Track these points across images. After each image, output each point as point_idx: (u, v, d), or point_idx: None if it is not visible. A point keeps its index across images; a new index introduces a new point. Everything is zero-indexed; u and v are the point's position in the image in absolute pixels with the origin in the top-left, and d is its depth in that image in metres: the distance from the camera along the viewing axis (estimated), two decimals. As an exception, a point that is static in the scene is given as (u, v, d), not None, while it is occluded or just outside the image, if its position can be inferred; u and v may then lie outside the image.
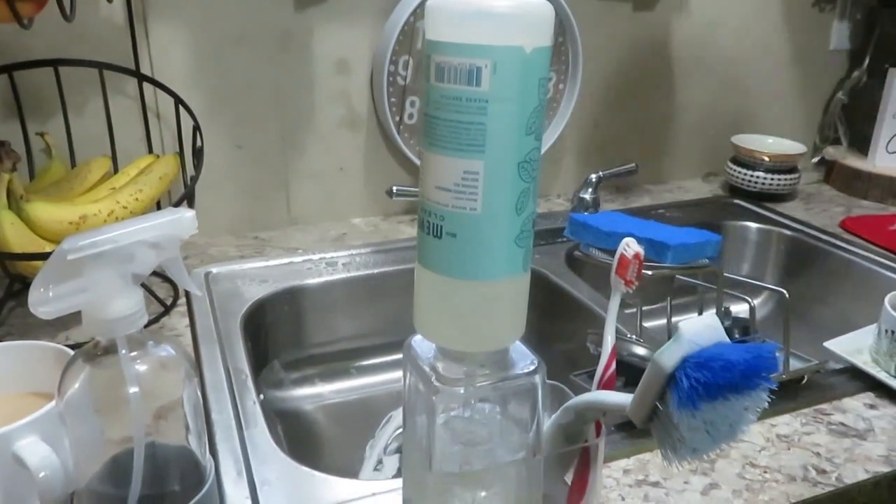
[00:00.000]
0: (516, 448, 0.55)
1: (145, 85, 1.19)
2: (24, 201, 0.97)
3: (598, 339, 0.63)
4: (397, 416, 1.12)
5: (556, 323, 1.21)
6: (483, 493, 0.55)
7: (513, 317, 0.54)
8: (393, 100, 1.35)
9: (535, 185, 0.51)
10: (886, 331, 0.95)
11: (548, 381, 0.57)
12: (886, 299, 0.96)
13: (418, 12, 1.30)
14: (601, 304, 1.13)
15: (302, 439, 1.13)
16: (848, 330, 1.02)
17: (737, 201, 1.59)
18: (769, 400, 0.49)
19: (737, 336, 1.05)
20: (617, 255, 0.59)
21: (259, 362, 1.12)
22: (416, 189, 1.30)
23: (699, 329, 0.49)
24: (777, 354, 0.49)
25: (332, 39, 1.31)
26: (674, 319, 1.05)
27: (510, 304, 0.53)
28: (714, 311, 1.00)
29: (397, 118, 1.37)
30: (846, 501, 0.78)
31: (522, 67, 0.47)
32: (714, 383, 0.47)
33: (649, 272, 0.83)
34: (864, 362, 0.96)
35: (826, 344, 1.00)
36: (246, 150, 1.32)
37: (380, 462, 1.05)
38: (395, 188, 1.23)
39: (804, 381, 0.93)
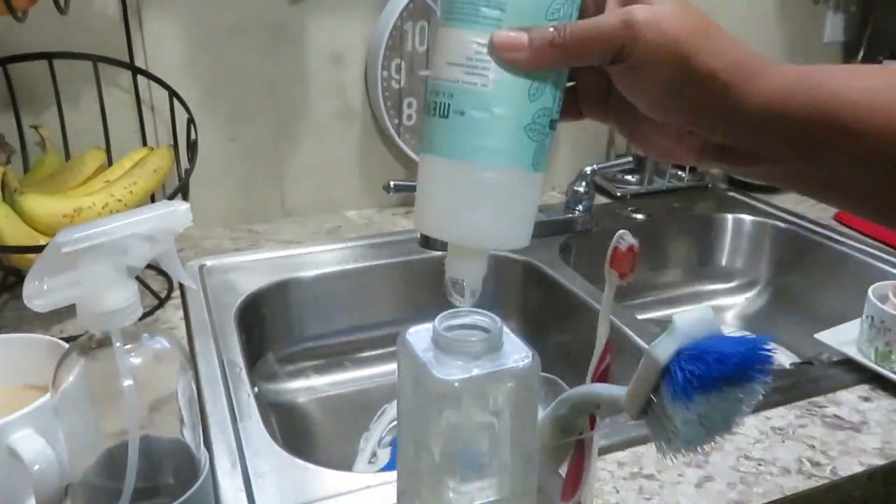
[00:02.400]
0: (511, 440, 0.55)
1: (139, 78, 1.19)
2: (19, 194, 0.97)
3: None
4: (391, 409, 1.12)
5: (551, 315, 1.21)
6: (478, 485, 0.55)
7: (517, 217, 0.52)
8: (390, 103, 1.36)
9: (556, 84, 0.50)
10: (867, 317, 0.95)
11: (542, 374, 0.57)
12: (870, 290, 0.97)
13: (404, 15, 1.30)
14: (595, 296, 1.13)
15: (296, 432, 1.13)
16: (843, 322, 1.03)
17: (731, 193, 1.59)
18: (763, 393, 0.49)
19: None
20: (611, 248, 0.59)
21: (253, 355, 1.12)
22: (413, 182, 1.30)
23: (693, 321, 0.49)
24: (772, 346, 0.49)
25: (326, 32, 1.31)
26: (669, 311, 1.05)
27: (514, 200, 0.51)
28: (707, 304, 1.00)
29: (396, 121, 1.38)
30: (841, 494, 0.78)
31: None
32: (708, 376, 0.47)
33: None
34: (853, 353, 0.96)
35: (817, 335, 1.00)
36: (240, 142, 1.32)
37: (374, 455, 1.05)
38: (392, 183, 1.23)
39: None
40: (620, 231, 0.58)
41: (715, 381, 0.47)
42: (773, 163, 0.52)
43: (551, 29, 0.47)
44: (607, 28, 0.48)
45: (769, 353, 0.48)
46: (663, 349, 0.48)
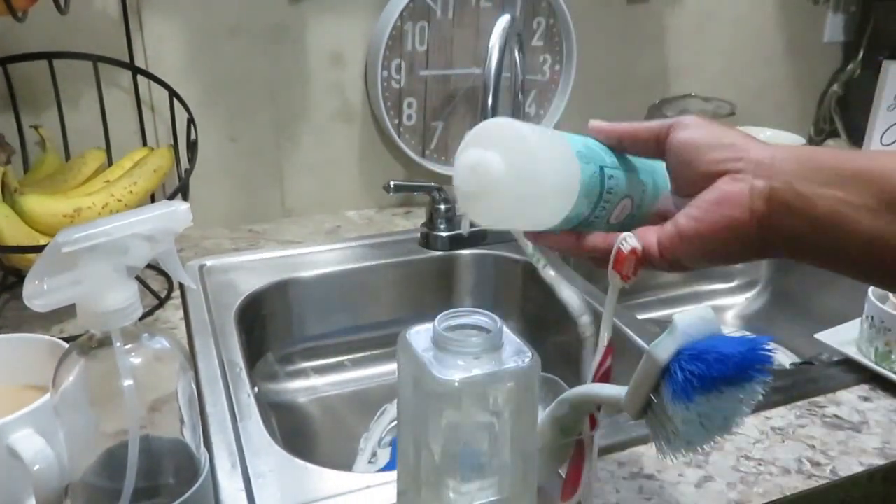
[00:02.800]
0: (511, 440, 0.55)
1: (139, 78, 1.19)
2: (19, 194, 0.97)
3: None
4: (392, 409, 1.12)
5: (551, 315, 1.21)
6: (477, 485, 0.55)
7: (552, 199, 0.56)
8: (389, 103, 1.36)
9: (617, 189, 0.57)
10: (867, 317, 0.95)
11: (542, 374, 0.57)
12: (870, 290, 0.97)
13: (404, 15, 1.31)
14: (595, 296, 1.13)
15: (296, 432, 1.13)
16: (843, 322, 1.02)
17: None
18: (763, 392, 0.49)
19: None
20: (614, 250, 0.59)
21: (253, 355, 1.12)
22: (413, 182, 1.30)
23: (693, 321, 0.49)
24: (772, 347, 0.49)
25: (327, 32, 1.31)
26: (669, 312, 1.05)
27: (552, 181, 0.55)
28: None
29: (396, 121, 1.38)
30: (841, 494, 0.78)
31: None
32: (708, 376, 0.47)
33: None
34: (853, 353, 0.96)
35: (817, 335, 1.00)
36: (240, 142, 1.32)
37: (374, 455, 1.05)
38: (392, 183, 1.23)
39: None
40: (624, 234, 0.59)
41: (715, 381, 0.47)
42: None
43: None
44: None
45: (769, 353, 0.48)
46: (663, 349, 0.49)
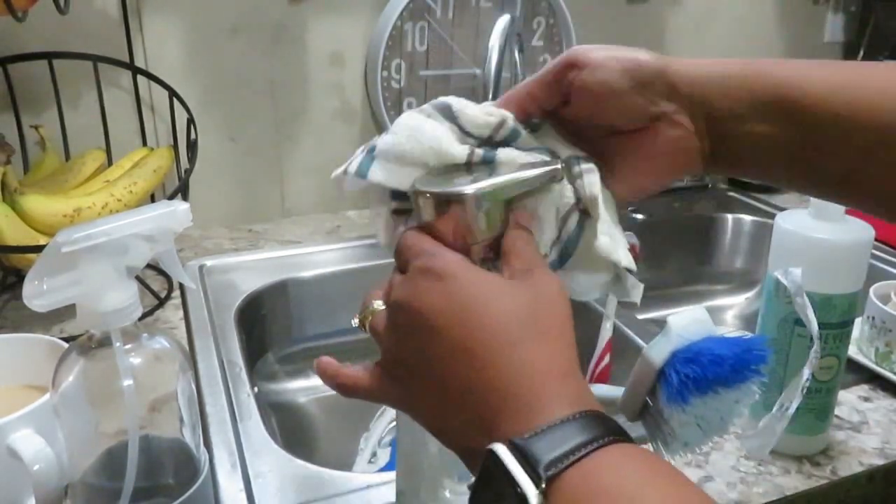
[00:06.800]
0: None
1: (139, 78, 1.19)
2: (19, 194, 0.97)
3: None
4: (391, 409, 1.12)
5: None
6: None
7: None
8: (389, 103, 1.36)
9: None
10: (868, 317, 0.96)
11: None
12: (871, 290, 0.97)
13: (404, 15, 1.31)
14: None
15: (296, 432, 1.13)
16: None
17: (731, 193, 1.59)
18: (759, 393, 0.50)
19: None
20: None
21: (253, 355, 1.12)
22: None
23: (688, 323, 0.49)
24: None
25: (327, 32, 1.31)
26: (669, 312, 1.05)
27: None
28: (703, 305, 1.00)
29: (396, 122, 1.38)
30: (841, 494, 0.78)
31: None
32: (703, 378, 0.47)
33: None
34: (853, 353, 0.96)
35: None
36: (240, 142, 1.32)
37: (374, 455, 1.05)
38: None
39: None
40: (625, 232, 0.59)
41: (710, 383, 0.47)
42: (764, 153, 0.51)
43: None
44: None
45: (764, 354, 0.48)
46: (658, 352, 0.49)
